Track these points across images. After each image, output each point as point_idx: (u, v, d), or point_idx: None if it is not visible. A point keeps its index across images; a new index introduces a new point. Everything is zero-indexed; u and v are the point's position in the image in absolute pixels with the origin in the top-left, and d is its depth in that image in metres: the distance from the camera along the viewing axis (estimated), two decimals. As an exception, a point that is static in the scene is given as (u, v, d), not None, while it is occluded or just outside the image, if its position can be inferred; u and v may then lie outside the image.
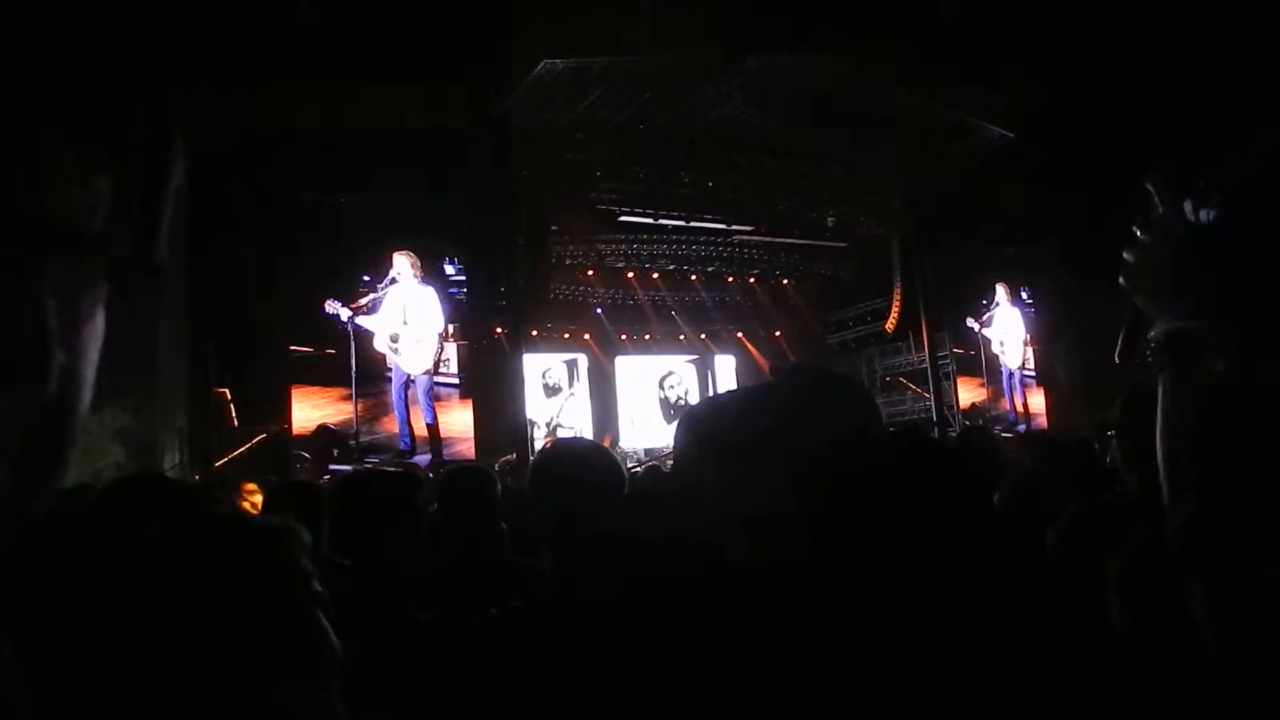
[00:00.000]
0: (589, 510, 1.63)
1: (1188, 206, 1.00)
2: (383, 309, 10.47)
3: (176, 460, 9.31)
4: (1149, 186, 1.00)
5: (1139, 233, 0.99)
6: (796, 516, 0.86)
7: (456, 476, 2.94)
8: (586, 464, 1.75)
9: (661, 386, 16.73)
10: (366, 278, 10.50)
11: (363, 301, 10.32)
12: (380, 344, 10.41)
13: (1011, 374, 14.98)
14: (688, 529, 0.93)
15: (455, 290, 11.19)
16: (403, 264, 10.61)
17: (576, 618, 1.37)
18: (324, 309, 10.04)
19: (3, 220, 0.53)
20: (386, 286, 10.51)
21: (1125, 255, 0.99)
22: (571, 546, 1.65)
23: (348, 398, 10.20)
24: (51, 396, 0.57)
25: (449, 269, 11.16)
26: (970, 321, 14.73)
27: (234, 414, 9.78)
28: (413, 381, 10.61)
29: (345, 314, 10.12)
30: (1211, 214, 1.03)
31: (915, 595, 0.90)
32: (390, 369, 10.50)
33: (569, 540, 1.67)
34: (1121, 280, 0.99)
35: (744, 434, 0.91)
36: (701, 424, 1.01)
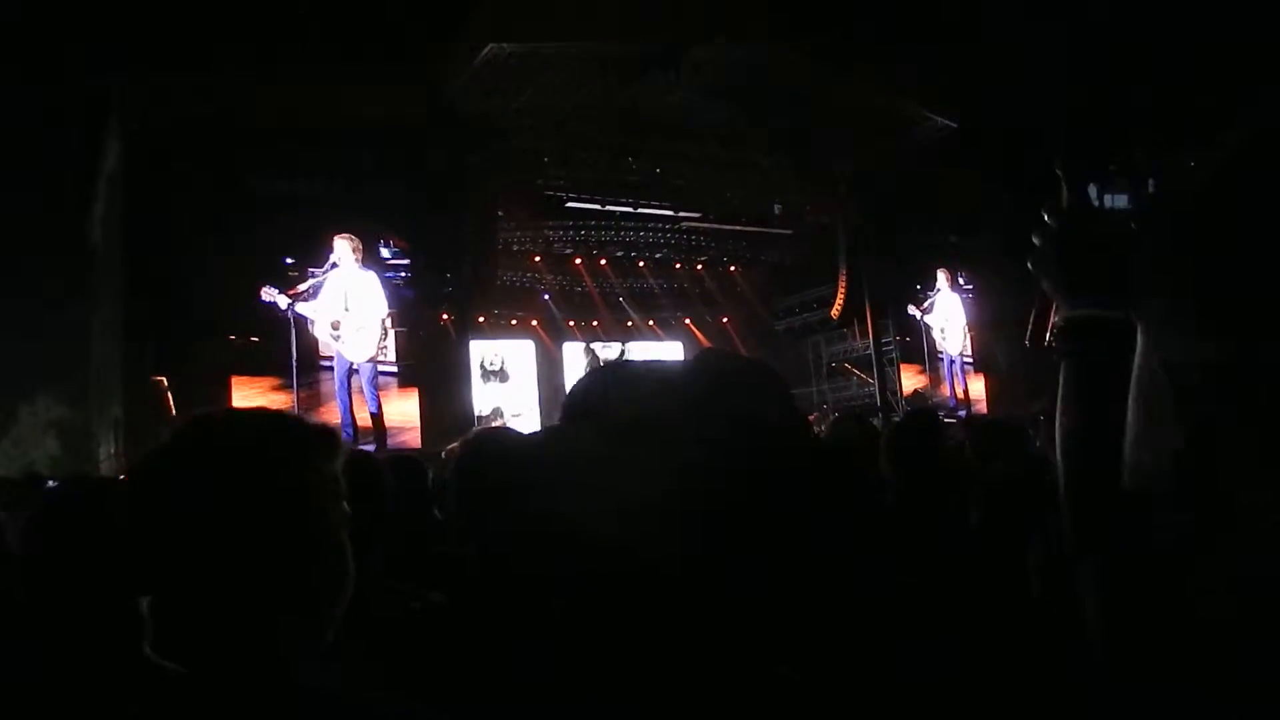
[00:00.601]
0: (504, 503, 1.61)
1: (1093, 191, 1.02)
2: (322, 295, 10.19)
3: (112, 450, 9.07)
4: (1057, 171, 1.00)
5: (1046, 217, 1.00)
6: (693, 509, 0.82)
7: (395, 467, 2.91)
8: (505, 455, 1.73)
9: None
10: (289, 260, 10.21)
11: (301, 288, 10.02)
12: (320, 331, 10.16)
13: (952, 360, 15.20)
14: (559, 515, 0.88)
15: (392, 275, 10.93)
16: (344, 248, 10.31)
17: (492, 614, 1.34)
18: (260, 297, 9.74)
19: None
20: (326, 272, 10.22)
21: (1033, 239, 1.00)
22: (487, 540, 1.62)
23: (280, 387, 9.92)
24: None
25: (384, 252, 10.88)
26: (911, 309, 14.92)
27: (172, 403, 9.55)
28: (356, 370, 10.38)
29: (284, 301, 9.83)
30: (1118, 199, 1.04)
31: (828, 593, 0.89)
32: (330, 357, 10.24)
33: (483, 534, 1.64)
34: (1029, 265, 1.00)
35: (648, 414, 0.86)
36: (597, 395, 0.94)
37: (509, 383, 15.22)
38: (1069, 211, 0.99)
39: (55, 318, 8.75)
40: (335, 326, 10.23)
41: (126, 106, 9.23)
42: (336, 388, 10.25)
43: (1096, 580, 0.85)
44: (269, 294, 9.76)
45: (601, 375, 0.96)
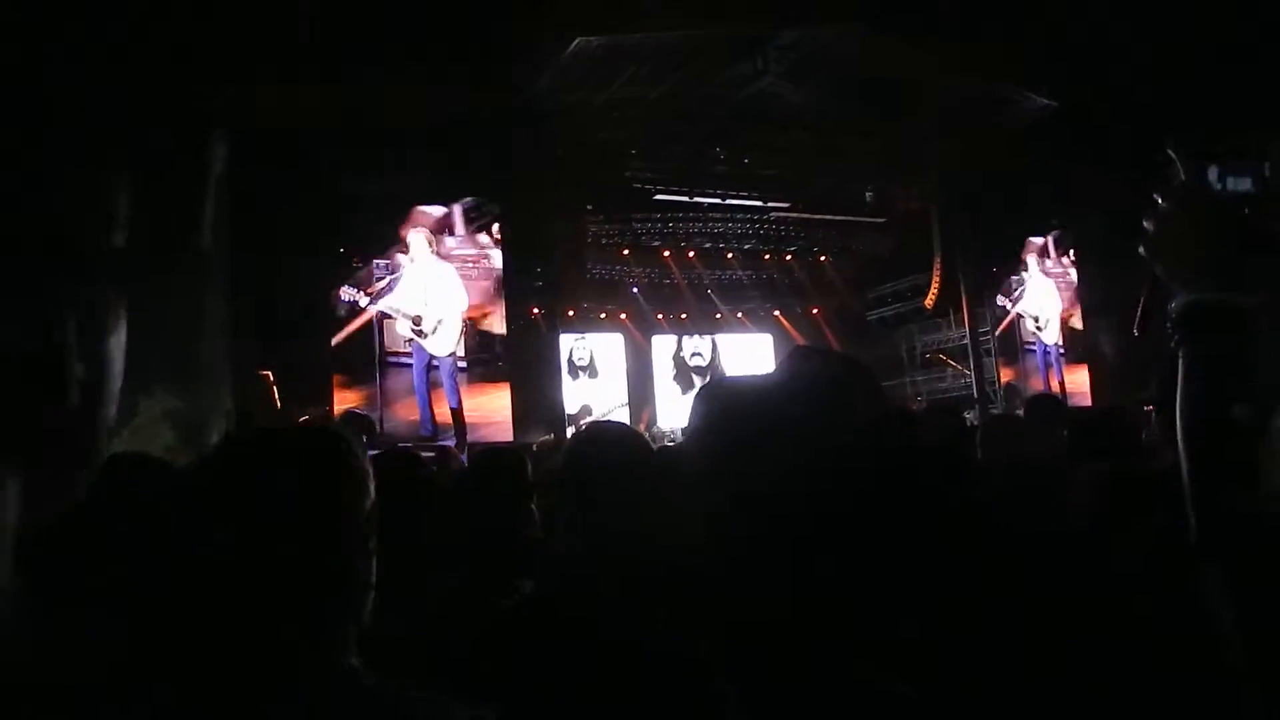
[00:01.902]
0: (620, 498, 1.61)
1: (1213, 173, 0.96)
2: (400, 290, 10.25)
3: (224, 440, 9.47)
4: (1171, 152, 0.96)
5: (1160, 200, 0.95)
6: (811, 512, 0.83)
7: (486, 458, 2.96)
8: (623, 450, 1.73)
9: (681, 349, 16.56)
10: (342, 250, 10.29)
11: (379, 285, 10.15)
12: (402, 327, 10.26)
13: (1047, 349, 14.44)
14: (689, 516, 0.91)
15: (459, 264, 10.81)
16: (418, 241, 10.36)
17: (595, 612, 1.35)
18: (340, 297, 9.93)
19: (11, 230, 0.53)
20: (402, 267, 10.30)
21: (1145, 224, 0.95)
22: (598, 535, 1.63)
23: (349, 384, 10.09)
24: (76, 404, 0.57)
25: (450, 241, 10.76)
26: (1000, 299, 14.30)
27: (278, 396, 9.91)
28: (436, 365, 10.40)
29: (364, 299, 10.00)
30: (1240, 183, 0.98)
31: (938, 594, 0.87)
32: (401, 353, 10.29)
33: (596, 529, 1.65)
34: (1141, 250, 0.95)
35: (765, 419, 0.88)
36: (721, 404, 0.98)
37: (598, 379, 15.27)
38: (1186, 192, 0.94)
39: (171, 315, 9.20)
40: (417, 322, 10.31)
41: (229, 113, 9.59)
42: (415, 383, 10.26)
43: (1227, 583, 0.81)
44: (348, 293, 9.94)
45: (702, 399, 0.99)
